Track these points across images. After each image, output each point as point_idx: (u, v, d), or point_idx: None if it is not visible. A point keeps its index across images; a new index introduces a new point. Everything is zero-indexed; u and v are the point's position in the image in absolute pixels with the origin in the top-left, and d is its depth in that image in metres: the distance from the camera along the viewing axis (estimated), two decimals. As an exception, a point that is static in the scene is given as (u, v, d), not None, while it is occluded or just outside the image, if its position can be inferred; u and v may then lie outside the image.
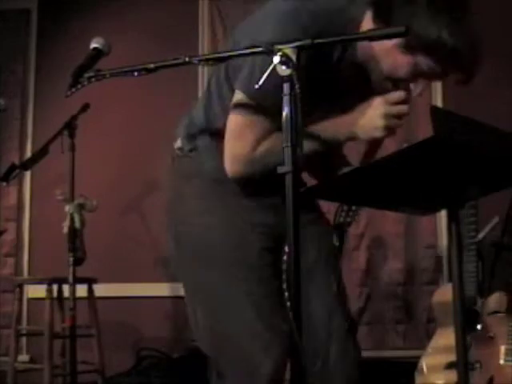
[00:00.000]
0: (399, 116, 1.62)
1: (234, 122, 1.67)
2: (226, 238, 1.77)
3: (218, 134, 1.73)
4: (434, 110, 1.28)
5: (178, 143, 1.85)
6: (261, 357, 1.69)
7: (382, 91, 1.66)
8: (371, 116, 1.62)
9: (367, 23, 1.64)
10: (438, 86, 4.37)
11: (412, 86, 1.65)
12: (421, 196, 1.62)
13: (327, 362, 1.79)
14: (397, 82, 1.65)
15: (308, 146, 1.60)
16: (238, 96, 1.65)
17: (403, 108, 1.61)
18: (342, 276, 1.92)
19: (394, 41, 1.58)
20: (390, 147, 4.58)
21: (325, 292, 1.83)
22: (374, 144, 1.82)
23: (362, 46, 1.66)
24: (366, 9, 1.65)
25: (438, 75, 1.64)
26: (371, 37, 1.46)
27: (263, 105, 1.61)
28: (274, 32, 1.56)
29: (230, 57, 1.48)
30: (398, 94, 1.61)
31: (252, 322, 1.72)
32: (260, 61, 1.55)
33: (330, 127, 1.67)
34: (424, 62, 1.59)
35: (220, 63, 1.60)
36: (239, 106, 1.65)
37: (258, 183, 1.74)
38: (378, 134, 1.62)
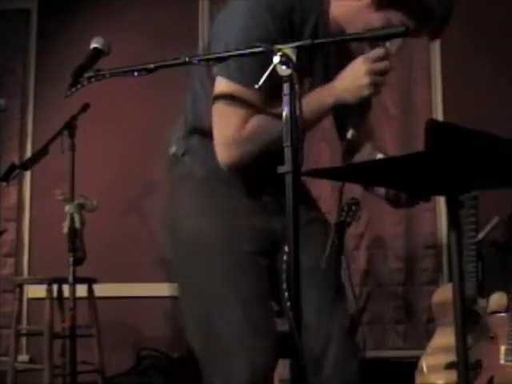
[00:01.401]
0: (382, 72, 1.61)
1: (217, 109, 1.66)
2: (216, 240, 1.76)
3: (206, 131, 1.73)
4: (430, 124, 1.29)
5: (172, 149, 1.86)
6: (242, 362, 1.68)
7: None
8: (355, 76, 1.61)
9: None
10: (438, 87, 4.37)
11: (388, 44, 1.65)
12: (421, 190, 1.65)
13: (325, 365, 1.78)
14: (373, 43, 1.66)
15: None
16: (218, 81, 1.66)
17: (385, 64, 1.61)
18: (343, 276, 1.93)
19: (364, 0, 1.64)
20: (390, 147, 4.58)
21: (323, 293, 1.82)
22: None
23: (332, 16, 1.70)
24: None
25: (412, 31, 1.64)
26: (371, 37, 1.46)
27: (244, 84, 1.61)
28: (242, 20, 1.61)
29: (229, 57, 1.48)
30: (377, 51, 1.61)
31: (238, 325, 1.70)
32: (234, 43, 1.59)
33: (315, 97, 1.65)
34: (395, 16, 1.63)
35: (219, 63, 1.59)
36: (220, 92, 1.65)
37: (253, 178, 1.74)
38: (366, 92, 1.61)
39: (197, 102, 1.80)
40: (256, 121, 1.64)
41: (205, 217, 1.77)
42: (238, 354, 1.69)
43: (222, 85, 1.65)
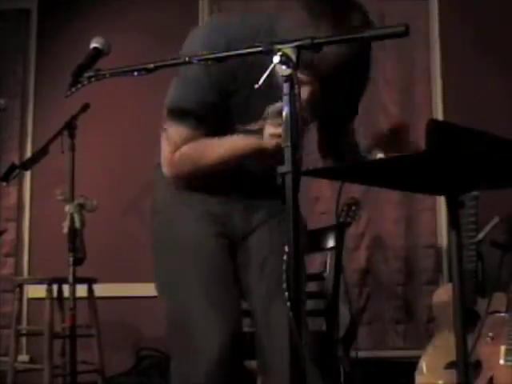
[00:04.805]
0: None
1: (163, 131, 1.95)
2: (182, 229, 1.97)
3: None
4: (431, 124, 1.29)
5: None
6: (209, 340, 1.83)
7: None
8: (265, 136, 1.73)
9: None
10: (438, 87, 4.37)
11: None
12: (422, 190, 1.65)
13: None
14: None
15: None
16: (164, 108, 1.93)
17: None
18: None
19: None
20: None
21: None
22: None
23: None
24: None
25: None
26: (372, 37, 1.46)
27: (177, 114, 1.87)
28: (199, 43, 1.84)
29: (228, 57, 1.48)
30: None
31: (203, 308, 1.87)
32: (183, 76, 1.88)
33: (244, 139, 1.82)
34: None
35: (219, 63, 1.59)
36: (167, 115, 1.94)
37: (204, 183, 1.95)
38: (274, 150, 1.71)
39: None
40: (191, 147, 1.85)
41: (172, 209, 2.01)
42: (205, 335, 1.84)
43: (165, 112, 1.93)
